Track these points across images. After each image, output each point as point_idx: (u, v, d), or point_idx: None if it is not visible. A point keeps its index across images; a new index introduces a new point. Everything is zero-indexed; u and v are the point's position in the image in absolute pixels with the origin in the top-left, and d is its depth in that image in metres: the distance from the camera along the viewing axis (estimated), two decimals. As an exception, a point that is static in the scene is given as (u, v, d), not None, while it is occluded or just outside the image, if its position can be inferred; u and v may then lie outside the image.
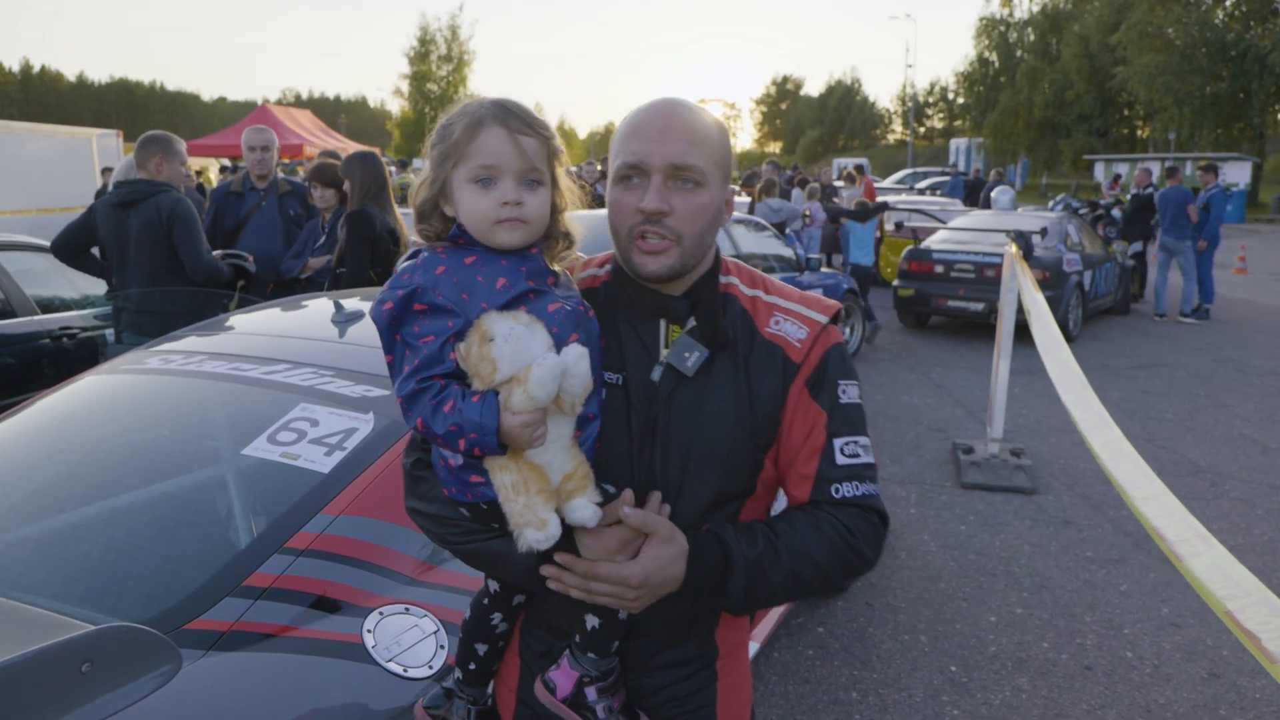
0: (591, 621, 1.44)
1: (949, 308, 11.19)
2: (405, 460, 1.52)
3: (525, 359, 1.26)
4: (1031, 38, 52.26)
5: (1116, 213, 13.82)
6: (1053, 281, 10.57)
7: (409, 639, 1.89)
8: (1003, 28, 54.39)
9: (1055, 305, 10.34)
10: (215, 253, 4.87)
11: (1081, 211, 14.50)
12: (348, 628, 1.84)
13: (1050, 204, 20.82)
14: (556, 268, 1.44)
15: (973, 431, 7.21)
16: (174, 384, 2.57)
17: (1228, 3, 37.56)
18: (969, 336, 11.33)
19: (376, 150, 5.29)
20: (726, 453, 1.45)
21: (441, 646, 1.91)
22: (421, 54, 62.37)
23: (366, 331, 2.81)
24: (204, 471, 2.30)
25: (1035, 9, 52.47)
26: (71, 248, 4.98)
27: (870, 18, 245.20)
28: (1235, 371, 9.50)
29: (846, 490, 1.46)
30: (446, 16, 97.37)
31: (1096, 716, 3.53)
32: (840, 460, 1.46)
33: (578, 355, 1.28)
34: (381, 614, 1.90)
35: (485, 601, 1.57)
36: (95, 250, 5.01)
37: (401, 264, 1.36)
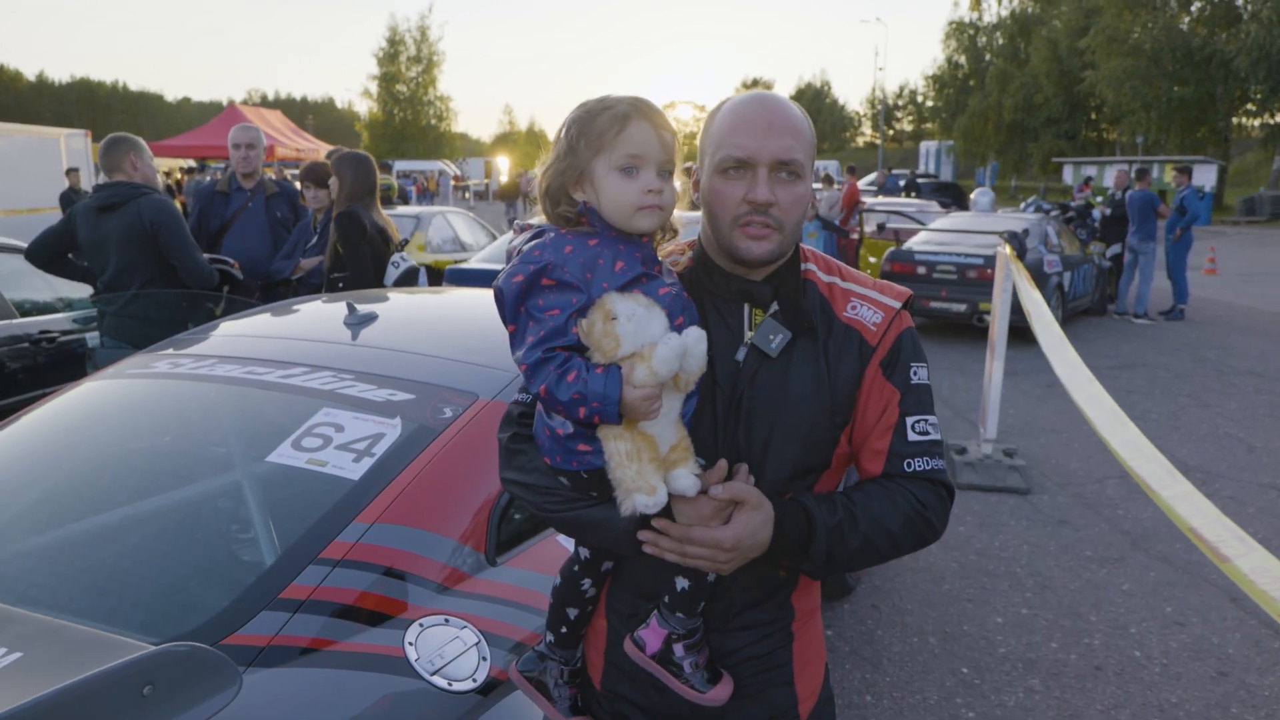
0: (681, 583, 1.53)
1: (931, 309, 11.24)
2: (501, 435, 1.63)
3: (646, 337, 1.35)
4: (1000, 41, 52.87)
5: (1095, 213, 13.95)
6: (1034, 283, 10.63)
7: (451, 651, 1.82)
8: (971, 31, 54.97)
9: (1037, 306, 10.41)
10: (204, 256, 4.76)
11: (1053, 214, 14.63)
12: (389, 640, 1.77)
13: (1021, 206, 21.01)
14: (660, 256, 1.54)
15: (962, 432, 7.23)
16: (187, 388, 2.48)
17: (1194, 8, 38.17)
18: (952, 338, 11.39)
19: (368, 154, 5.20)
20: (807, 429, 1.53)
21: (484, 659, 1.85)
22: (390, 55, 62.01)
23: (382, 333, 2.74)
24: (226, 479, 2.22)
25: (1004, 13, 53.11)
26: (49, 253, 4.83)
27: (840, 21, 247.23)
28: (1214, 371, 9.62)
29: (918, 465, 1.55)
30: (416, 18, 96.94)
31: (1110, 716, 3.52)
32: (912, 437, 1.55)
33: (698, 337, 1.36)
34: (422, 625, 1.83)
35: (575, 568, 1.66)
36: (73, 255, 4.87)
37: (527, 243, 1.44)
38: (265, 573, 1.82)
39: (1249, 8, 35.05)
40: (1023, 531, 5.34)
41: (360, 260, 4.63)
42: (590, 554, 1.64)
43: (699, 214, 1.61)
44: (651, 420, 1.38)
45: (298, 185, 5.75)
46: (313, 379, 2.39)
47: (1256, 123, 41.02)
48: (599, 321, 1.36)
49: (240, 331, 2.92)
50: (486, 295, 3.47)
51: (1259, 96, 35.76)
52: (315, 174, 5.12)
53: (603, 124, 1.41)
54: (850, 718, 3.49)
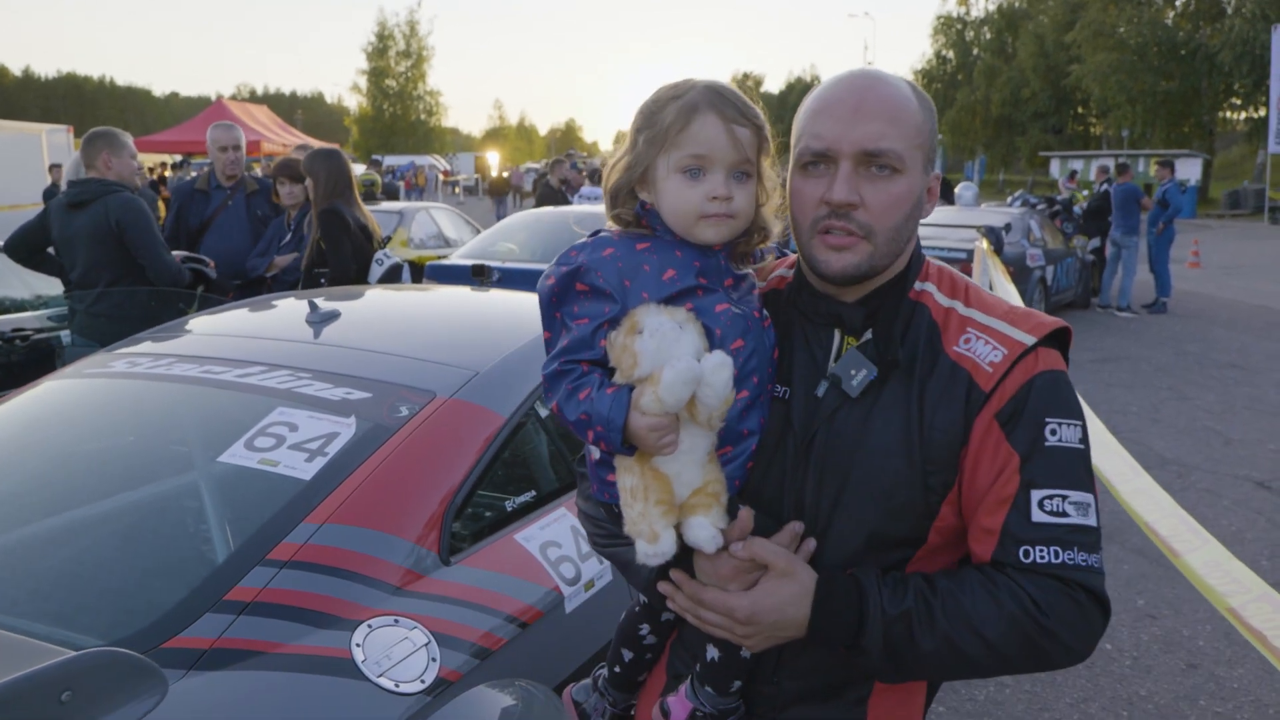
0: (711, 652, 1.35)
1: (915, 303, 11.25)
2: (576, 457, 1.50)
3: (666, 358, 1.17)
4: (988, 36, 52.94)
5: (1078, 209, 14.01)
6: (1016, 276, 10.65)
7: (400, 652, 1.81)
8: (959, 26, 55.01)
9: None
10: (176, 254, 4.73)
11: (1039, 207, 14.69)
12: (336, 642, 1.76)
13: (1008, 199, 21.08)
14: (747, 270, 1.35)
15: (943, 426, 7.24)
16: (142, 388, 2.46)
17: (1178, 3, 38.30)
18: (935, 331, 11.41)
19: (338, 146, 5.17)
20: (888, 489, 1.26)
21: (434, 659, 1.84)
22: (380, 50, 61.73)
23: (343, 331, 2.73)
24: (178, 480, 2.20)
25: (991, 8, 53.21)
26: (27, 248, 4.82)
27: (829, 16, 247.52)
28: (1195, 364, 9.66)
29: (1041, 555, 1.19)
30: (405, 12, 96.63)
31: (1080, 710, 3.54)
32: (1038, 516, 1.20)
33: (716, 364, 1.17)
34: (370, 627, 1.82)
35: (636, 609, 1.54)
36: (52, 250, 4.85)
37: (580, 240, 1.31)
38: (210, 575, 1.81)
39: (1232, 2, 35.17)
40: (999, 525, 5.35)
41: (342, 257, 4.61)
42: (648, 599, 1.48)
43: None
44: (668, 456, 1.21)
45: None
46: (269, 378, 2.37)
47: (1241, 116, 41.16)
48: (623, 335, 1.21)
49: (200, 330, 2.90)
50: (452, 292, 3.47)
51: (1243, 91, 35.87)
52: (290, 169, 5.09)
53: (668, 116, 1.24)
54: (820, 713, 3.49)
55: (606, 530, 1.37)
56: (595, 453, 1.31)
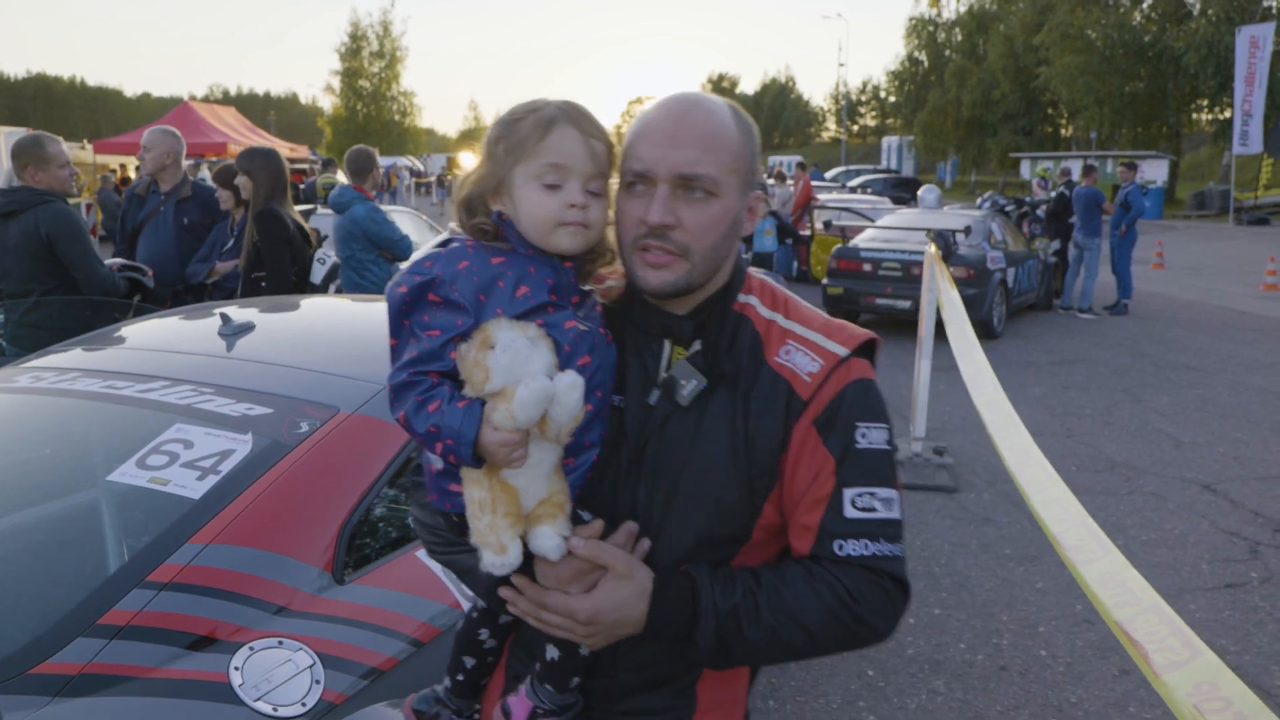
0: (551, 652, 1.39)
1: (877, 305, 11.32)
2: (410, 466, 1.50)
3: (518, 375, 1.19)
4: (959, 38, 53.30)
5: (1040, 213, 14.14)
6: (977, 279, 10.75)
7: (280, 675, 1.78)
8: (931, 28, 55.41)
9: (980, 302, 10.51)
10: (113, 262, 4.66)
11: (1008, 209, 14.78)
12: (213, 665, 1.73)
13: (978, 201, 21.23)
14: (588, 287, 1.37)
15: (898, 429, 7.26)
16: (41, 403, 2.41)
17: (1144, 5, 38.71)
18: (897, 334, 11.42)
19: (272, 146, 5.12)
20: (716, 493, 1.32)
21: (317, 681, 1.81)
22: (353, 50, 61.36)
23: (254, 344, 2.69)
24: (65, 500, 2.16)
25: (962, 10, 53.51)
26: None
27: (803, 17, 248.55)
28: (1151, 366, 9.76)
29: (853, 548, 1.29)
30: (378, 13, 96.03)
31: (1010, 717, 3.55)
32: (850, 513, 1.29)
33: (569, 385, 1.20)
34: (252, 649, 1.79)
35: (474, 615, 1.54)
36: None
37: (430, 249, 1.30)
38: (86, 598, 1.77)
39: (1198, 4, 35.59)
40: (946, 530, 5.38)
41: (280, 262, 4.55)
42: (488, 603, 1.48)
43: None
44: (516, 470, 1.23)
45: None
46: (171, 393, 2.33)
47: (1207, 118, 41.64)
48: (475, 348, 1.21)
49: (109, 343, 2.85)
50: (376, 304, 3.43)
51: (1208, 92, 36.28)
52: (221, 176, 5.04)
53: (525, 129, 1.27)
54: (752, 722, 3.49)
55: (444, 538, 1.38)
56: (438, 463, 1.30)
